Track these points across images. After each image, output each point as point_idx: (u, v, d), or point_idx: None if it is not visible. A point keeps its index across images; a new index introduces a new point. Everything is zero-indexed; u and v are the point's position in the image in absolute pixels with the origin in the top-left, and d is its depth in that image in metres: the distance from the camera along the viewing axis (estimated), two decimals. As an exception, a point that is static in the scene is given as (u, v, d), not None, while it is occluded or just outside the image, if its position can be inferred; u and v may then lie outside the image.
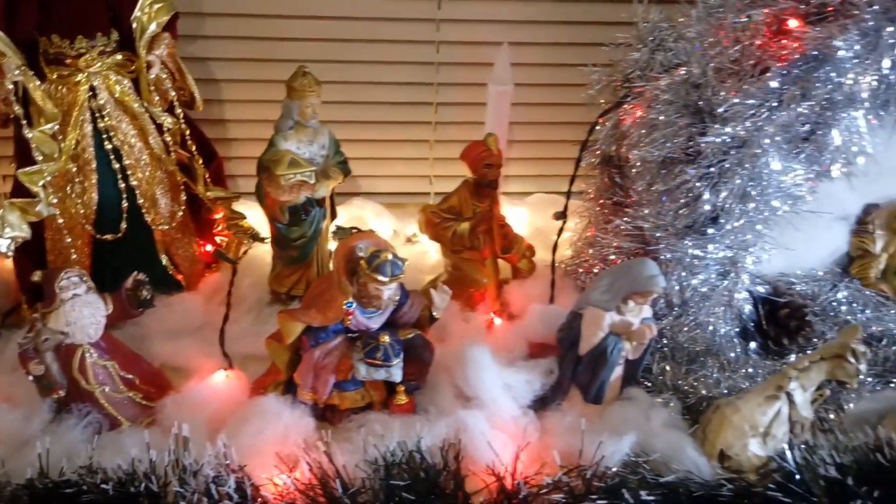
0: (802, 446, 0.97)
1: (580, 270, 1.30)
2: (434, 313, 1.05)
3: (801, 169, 1.01)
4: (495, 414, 0.99)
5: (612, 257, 1.19)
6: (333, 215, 1.30)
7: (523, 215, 1.57)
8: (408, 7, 1.43)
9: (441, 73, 1.49)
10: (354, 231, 1.50)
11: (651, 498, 0.90)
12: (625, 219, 1.14)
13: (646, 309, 1.02)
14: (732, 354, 1.12)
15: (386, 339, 0.97)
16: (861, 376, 1.00)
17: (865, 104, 0.95)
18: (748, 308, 1.13)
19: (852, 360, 0.99)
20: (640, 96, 1.09)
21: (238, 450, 0.91)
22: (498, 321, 1.24)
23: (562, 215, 1.29)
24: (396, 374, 0.99)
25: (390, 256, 0.94)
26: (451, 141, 1.51)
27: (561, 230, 1.28)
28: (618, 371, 1.04)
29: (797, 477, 0.93)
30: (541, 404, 1.05)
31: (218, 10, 1.39)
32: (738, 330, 1.14)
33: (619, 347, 0.99)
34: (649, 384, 1.09)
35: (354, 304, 0.97)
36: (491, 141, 1.19)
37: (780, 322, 1.14)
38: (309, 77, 1.15)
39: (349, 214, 1.53)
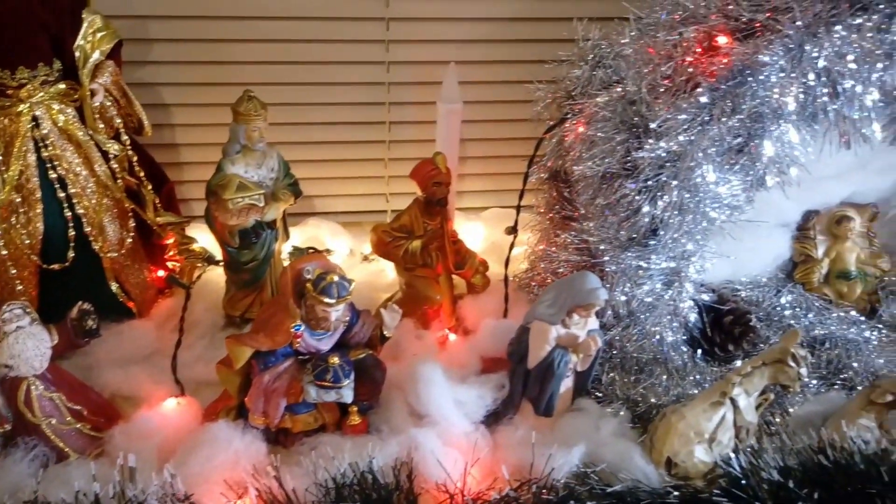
0: (748, 451, 1.00)
1: (533, 284, 1.32)
2: (385, 333, 1.05)
3: (736, 180, 1.03)
4: (447, 431, 1.00)
5: (562, 270, 1.21)
6: (286, 237, 1.30)
7: (479, 230, 1.59)
8: (356, 28, 1.44)
9: (392, 93, 1.51)
10: (311, 251, 1.52)
11: (600, 508, 0.92)
12: (571, 233, 1.16)
13: (592, 321, 1.04)
14: (680, 362, 1.15)
15: (335, 360, 0.98)
16: (803, 379, 1.04)
17: (793, 116, 0.99)
18: (694, 316, 1.16)
19: (793, 364, 1.02)
20: (581, 113, 1.11)
21: (186, 478, 0.90)
22: (453, 337, 1.25)
23: (513, 230, 1.31)
24: (347, 396, 0.99)
25: (336, 278, 0.95)
26: (406, 159, 1.51)
27: (512, 245, 1.30)
28: (567, 383, 1.06)
29: (743, 482, 0.95)
30: (493, 419, 1.06)
31: (165, 35, 1.39)
32: (685, 338, 1.17)
33: (565, 360, 1.00)
34: (600, 394, 1.11)
35: (303, 327, 0.97)
36: (439, 159, 1.21)
37: (724, 329, 1.16)
38: (254, 101, 1.16)
39: (305, 235, 1.54)
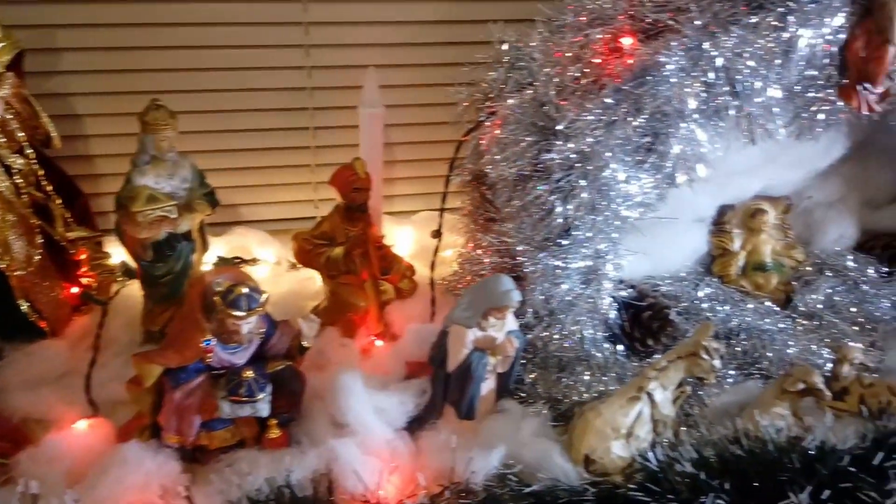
0: (665, 444, 1.02)
1: (460, 287, 1.32)
2: (304, 343, 1.04)
3: (647, 178, 1.05)
4: (367, 439, 0.99)
5: (486, 273, 1.21)
6: (205, 248, 1.27)
7: (409, 234, 1.58)
8: (275, 34, 1.42)
9: (315, 98, 1.49)
10: (238, 261, 1.50)
11: (519, 509, 0.92)
12: (492, 235, 1.17)
13: (510, 322, 1.04)
14: (601, 359, 1.16)
15: (249, 374, 0.96)
16: (716, 371, 1.06)
17: (696, 115, 1.01)
18: (613, 313, 1.17)
19: (706, 356, 1.04)
20: (496, 115, 1.12)
21: (95, 502, 0.88)
22: (380, 343, 1.25)
23: (437, 233, 1.31)
24: (263, 409, 0.97)
25: (246, 290, 0.93)
26: (333, 164, 1.49)
27: (437, 248, 1.30)
28: (489, 385, 1.06)
29: (659, 475, 0.97)
30: (416, 424, 1.05)
31: (73, 44, 1.35)
32: (605, 335, 1.18)
33: (483, 363, 1.00)
34: (523, 394, 1.12)
35: (213, 341, 0.95)
36: (358, 165, 1.20)
37: (643, 324, 1.18)
38: (162, 110, 1.13)
39: (231, 244, 1.51)
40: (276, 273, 1.44)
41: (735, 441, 1.03)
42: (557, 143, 0.98)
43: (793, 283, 1.33)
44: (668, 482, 0.96)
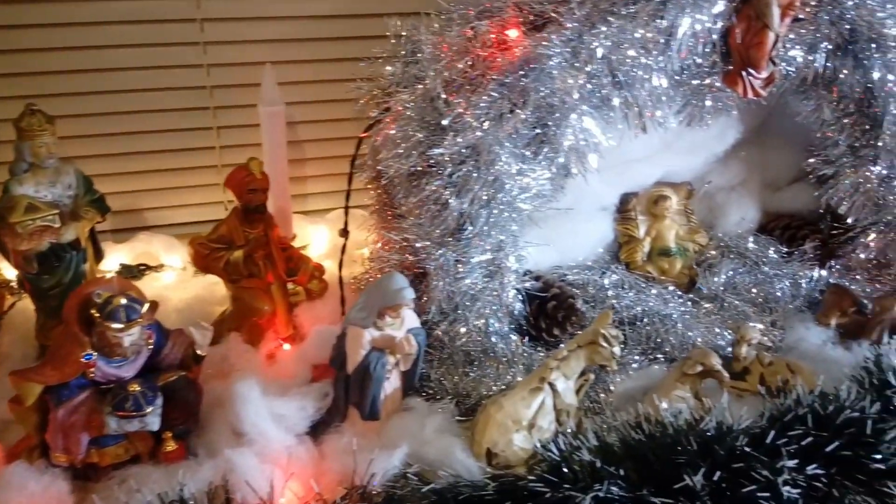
0: (568, 433, 1.02)
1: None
2: (198, 352, 1.01)
3: (541, 170, 1.05)
4: (266, 448, 0.97)
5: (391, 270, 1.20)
6: (99, 257, 1.22)
7: (323, 233, 1.56)
8: (169, 31, 1.38)
9: (216, 97, 1.45)
10: (143, 268, 1.45)
11: (421, 508, 0.92)
12: (394, 232, 1.15)
13: (410, 320, 1.03)
14: (508, 352, 1.16)
15: (135, 387, 0.93)
16: (617, 358, 1.07)
17: (584, 106, 1.01)
18: (519, 305, 1.18)
19: (605, 344, 1.05)
20: (391, 111, 1.10)
21: (-28, 530, 0.83)
22: (287, 347, 1.22)
23: (344, 232, 1.29)
24: (153, 423, 0.94)
25: (124, 301, 0.90)
26: (239, 164, 1.47)
27: (344, 247, 1.28)
28: (393, 384, 1.05)
29: (561, 465, 0.97)
30: (320, 428, 1.04)
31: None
32: (511, 327, 1.18)
33: (382, 362, 0.99)
34: (430, 391, 1.11)
35: (94, 356, 0.91)
36: (254, 165, 1.17)
37: (548, 314, 1.19)
38: (38, 116, 1.08)
39: (136, 251, 1.46)
40: (183, 279, 1.40)
41: (637, 426, 1.05)
42: (446, 137, 0.97)
43: (696, 266, 1.36)
44: (569, 471, 0.97)
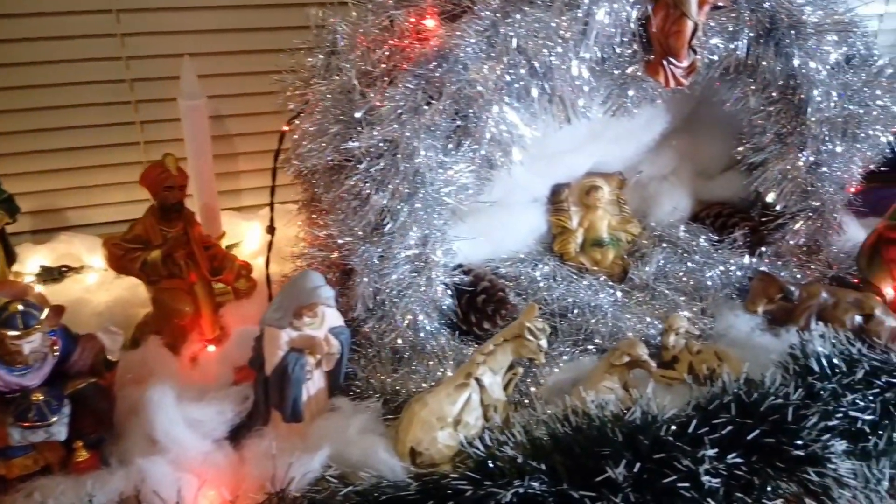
0: (495, 429, 1.01)
1: (300, 282, 1.28)
2: (109, 357, 0.97)
3: (464, 163, 1.04)
4: (180, 455, 0.94)
5: (318, 268, 1.17)
6: (11, 259, 1.17)
7: (257, 229, 1.52)
8: (84, 23, 1.31)
9: (137, 91, 1.40)
10: (64, 270, 1.39)
11: (341, 510, 0.90)
12: (317, 228, 1.12)
13: (332, 318, 1.01)
14: (438, 347, 1.14)
15: (38, 396, 0.89)
16: (543, 351, 1.06)
17: (506, 98, 1.00)
18: (448, 300, 1.16)
19: (531, 337, 1.05)
20: (309, 104, 1.07)
21: None
22: (212, 349, 1.19)
23: (271, 228, 1.26)
24: (59, 433, 0.90)
25: (21, 307, 0.85)
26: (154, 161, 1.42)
27: (270, 244, 1.25)
28: (317, 384, 1.02)
29: (487, 462, 0.96)
30: (241, 432, 1.01)
31: None
32: (442, 322, 1.17)
33: (301, 363, 0.96)
34: (357, 390, 1.09)
35: (-8, 365, 0.87)
36: (169, 161, 1.12)
37: (478, 308, 1.18)
38: (-69, 113, 1.02)
39: (57, 252, 1.40)
40: (106, 280, 1.35)
41: (564, 419, 1.05)
42: (362, 130, 0.95)
43: (629, 256, 1.36)
44: (494, 467, 0.96)
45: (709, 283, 1.31)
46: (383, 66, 0.96)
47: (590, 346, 1.20)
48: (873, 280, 1.34)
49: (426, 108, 0.94)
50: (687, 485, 0.91)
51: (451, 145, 1.03)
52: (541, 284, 1.25)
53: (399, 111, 0.95)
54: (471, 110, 0.98)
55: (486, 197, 1.14)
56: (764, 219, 1.40)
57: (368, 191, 0.99)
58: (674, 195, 1.43)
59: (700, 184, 1.47)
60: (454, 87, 0.93)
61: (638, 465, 0.93)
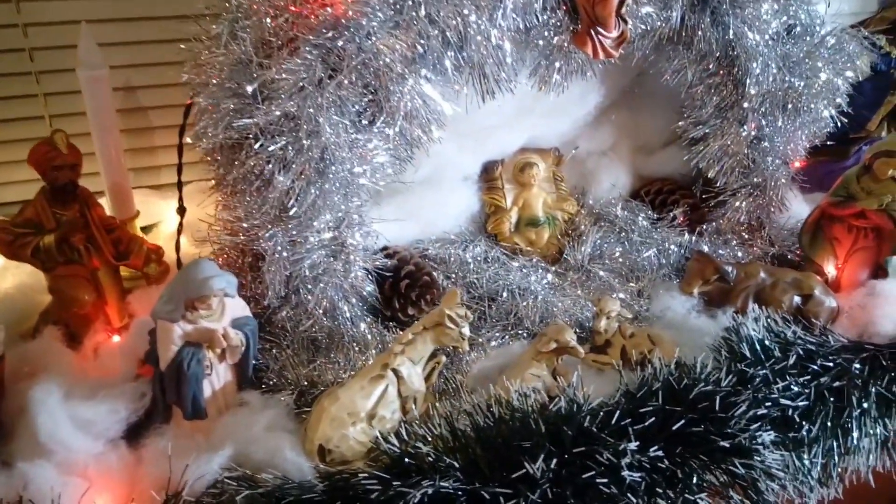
0: (416, 422, 0.96)
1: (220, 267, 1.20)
2: (-9, 352, 0.90)
3: (378, 140, 0.96)
4: (68, 457, 0.87)
5: (230, 252, 1.10)
6: None
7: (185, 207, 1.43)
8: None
9: (38, 60, 1.29)
10: (-37, 255, 1.29)
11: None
12: (224, 211, 1.05)
13: (234, 309, 0.94)
14: (360, 335, 1.08)
15: None
16: (466, 339, 1.01)
17: (422, 70, 0.92)
18: (370, 286, 1.10)
19: (452, 325, 0.99)
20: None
21: None
22: (118, 339, 1.11)
23: (181, 209, 1.18)
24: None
25: None
26: (81, 134, 1.32)
27: (180, 226, 1.17)
28: (223, 378, 0.96)
29: (401, 458, 0.91)
30: (139, 431, 0.94)
31: None
32: (364, 309, 1.11)
33: (198, 358, 0.89)
34: (271, 383, 1.03)
35: None
36: (58, 138, 1.03)
37: (401, 293, 1.11)
38: None
39: (-43, 235, 1.30)
40: (7, 266, 1.25)
41: (487, 410, 1.00)
42: (259, 106, 0.87)
43: (562, 236, 1.31)
44: (410, 464, 0.91)
45: (645, 263, 1.26)
46: (283, 35, 0.87)
47: (520, 331, 1.15)
48: (815, 258, 1.30)
49: (328, 81, 0.87)
50: (605, 480, 0.87)
51: (364, 121, 0.95)
52: (471, 267, 1.19)
53: (301, 84, 0.87)
54: (380, 84, 0.90)
55: (410, 176, 1.07)
56: (705, 196, 1.36)
57: (272, 170, 0.92)
58: (613, 171, 1.38)
59: (640, 159, 1.42)
60: (358, 59, 0.86)
61: (557, 459, 0.89)
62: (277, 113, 0.86)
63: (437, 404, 1.02)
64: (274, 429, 0.94)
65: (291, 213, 0.94)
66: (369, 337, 1.09)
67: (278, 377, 1.03)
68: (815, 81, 1.17)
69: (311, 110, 0.87)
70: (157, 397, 0.94)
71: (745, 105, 1.20)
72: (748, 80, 1.15)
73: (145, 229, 1.37)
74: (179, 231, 1.17)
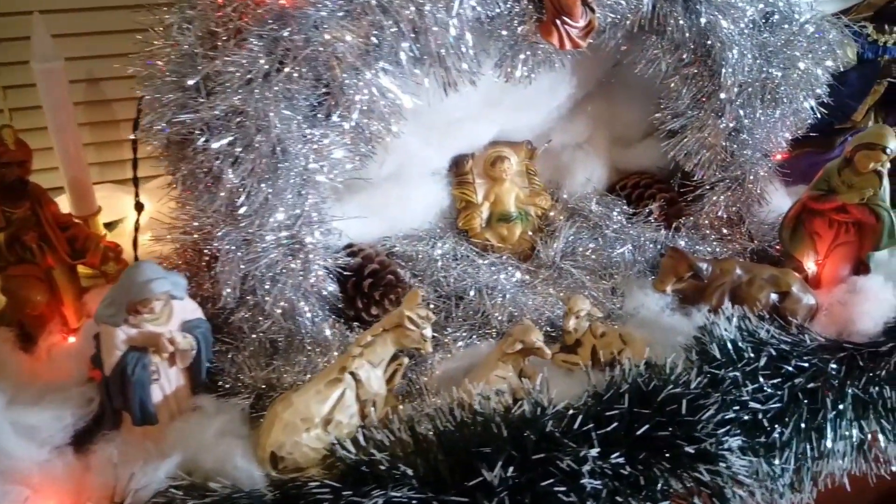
0: (374, 427, 0.93)
1: (181, 265, 1.17)
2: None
3: (335, 135, 0.93)
4: (9, 466, 0.84)
5: (186, 251, 1.07)
6: None
7: (146, 205, 1.39)
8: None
9: (-6, 53, 1.26)
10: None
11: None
12: (177, 208, 1.01)
13: (185, 311, 0.91)
14: (320, 337, 1.05)
15: None
16: (428, 340, 0.97)
17: (379, 62, 0.89)
18: (332, 286, 1.06)
19: (412, 327, 0.96)
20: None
21: None
22: (74, 340, 1.08)
23: (139, 206, 1.14)
24: None
25: None
26: (37, 129, 1.29)
27: (138, 223, 1.13)
28: (175, 382, 0.93)
29: (355, 466, 0.88)
30: (86, 437, 0.91)
31: None
32: (326, 309, 1.07)
33: (143, 363, 0.86)
34: (227, 387, 1.00)
35: None
36: (5, 134, 1.00)
37: (364, 293, 1.08)
38: None
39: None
40: None
41: (450, 413, 0.97)
42: (204, 100, 0.83)
43: (534, 232, 1.27)
44: (366, 472, 0.88)
45: (619, 260, 1.22)
46: (230, 25, 0.84)
47: (488, 331, 1.12)
48: (795, 254, 1.27)
49: (277, 73, 0.83)
50: (564, 488, 0.84)
51: (319, 116, 0.92)
52: (439, 264, 1.15)
53: (248, 78, 0.83)
54: (332, 77, 0.87)
55: (374, 172, 1.04)
56: (683, 190, 1.32)
57: (221, 167, 0.88)
58: (588, 165, 1.34)
59: (617, 152, 1.37)
60: (307, 51, 0.82)
61: (518, 465, 0.86)
62: (223, 107, 0.82)
63: (400, 408, 1.00)
64: (226, 435, 0.91)
65: (242, 211, 0.91)
66: (331, 338, 1.06)
67: (234, 381, 1.00)
68: (793, 71, 1.13)
69: (260, 104, 0.84)
70: (106, 402, 0.91)
71: (723, 96, 1.16)
72: (724, 70, 1.11)
73: (110, 225, 1.34)
74: (136, 228, 1.13)
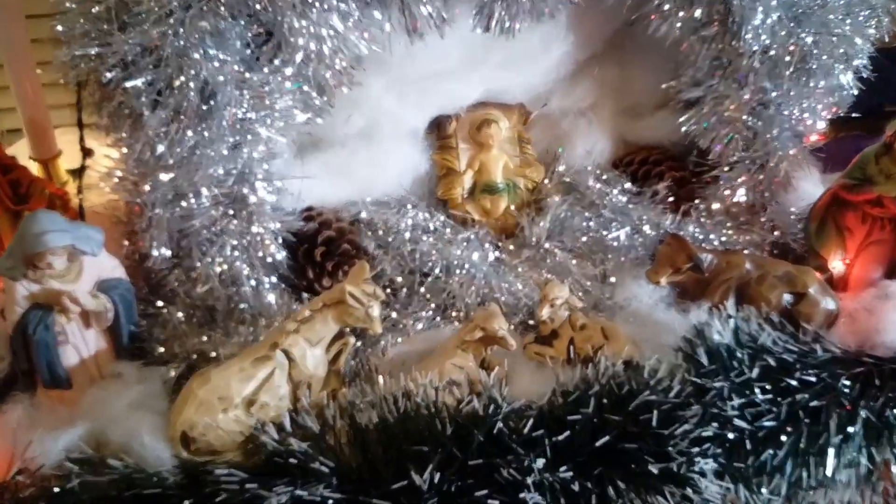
0: (304, 413, 0.83)
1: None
2: None
3: (277, 82, 0.82)
4: None
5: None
6: None
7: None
8: None
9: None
10: None
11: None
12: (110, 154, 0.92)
13: (102, 269, 0.82)
14: (263, 306, 0.96)
15: None
16: (376, 320, 0.87)
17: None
18: (281, 253, 0.96)
19: (356, 304, 0.85)
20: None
21: None
22: (12, 291, 1.02)
23: (86, 151, 1.07)
24: None
25: None
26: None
27: (83, 168, 1.06)
28: (93, 345, 0.85)
29: (279, 453, 0.79)
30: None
31: None
32: (275, 276, 0.98)
33: (46, 322, 0.78)
34: (156, 354, 0.92)
35: None
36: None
37: (316, 262, 0.98)
38: None
39: None
40: None
41: (394, 403, 0.87)
42: (118, 34, 0.73)
43: (522, 206, 1.14)
44: (280, 461, 0.79)
45: (614, 243, 1.09)
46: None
47: (455, 314, 1.01)
48: (820, 250, 1.10)
49: (202, 9, 0.72)
50: (499, 501, 0.73)
51: (262, 59, 0.81)
52: (407, 236, 1.04)
53: (167, 10, 0.73)
54: (273, 14, 0.76)
55: (339, 129, 0.93)
56: (698, 170, 1.17)
57: (142, 108, 0.78)
58: (591, 135, 1.19)
59: (625, 123, 1.22)
60: (232, -21, 0.71)
61: (456, 468, 0.76)
62: (136, 42, 0.72)
63: (343, 391, 0.90)
64: (140, 407, 0.82)
65: (166, 160, 0.81)
66: (276, 309, 0.96)
67: (165, 348, 0.92)
68: (828, 38, 0.96)
69: (181, 43, 0.73)
70: (14, 363, 0.84)
71: (744, 63, 1.01)
72: (745, 33, 0.96)
73: (75, 172, 1.27)
74: (81, 174, 1.06)
